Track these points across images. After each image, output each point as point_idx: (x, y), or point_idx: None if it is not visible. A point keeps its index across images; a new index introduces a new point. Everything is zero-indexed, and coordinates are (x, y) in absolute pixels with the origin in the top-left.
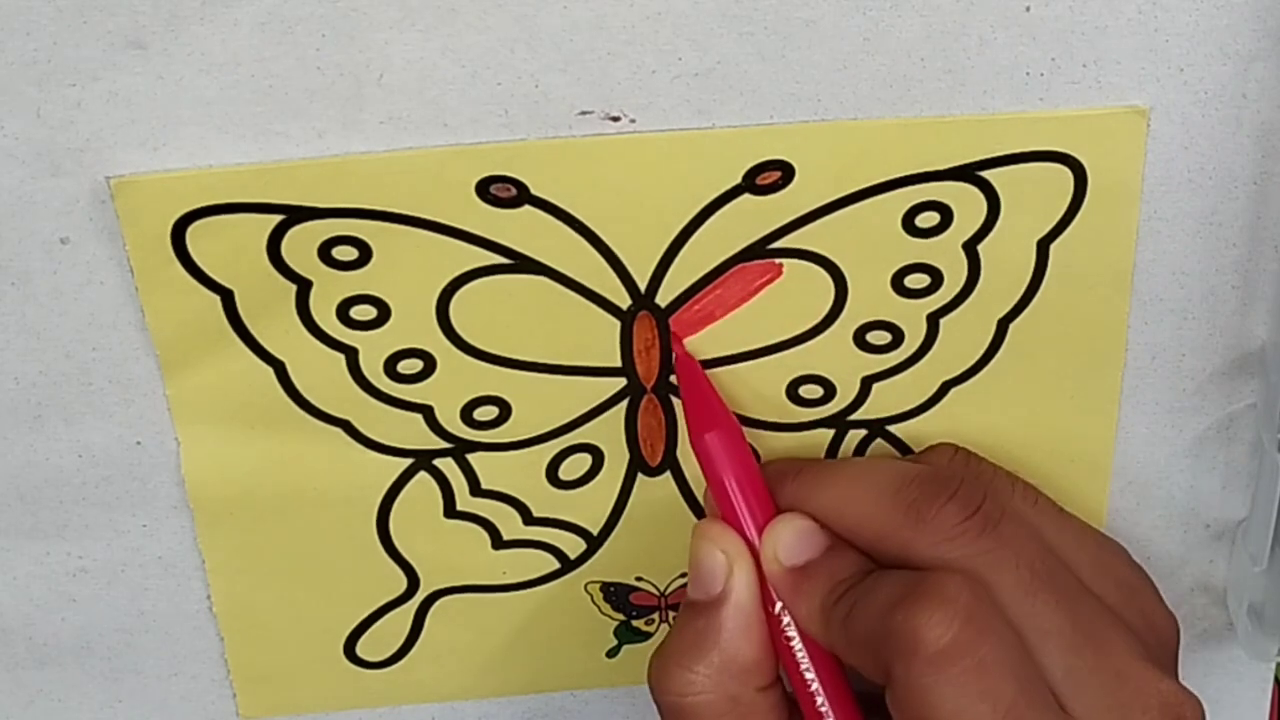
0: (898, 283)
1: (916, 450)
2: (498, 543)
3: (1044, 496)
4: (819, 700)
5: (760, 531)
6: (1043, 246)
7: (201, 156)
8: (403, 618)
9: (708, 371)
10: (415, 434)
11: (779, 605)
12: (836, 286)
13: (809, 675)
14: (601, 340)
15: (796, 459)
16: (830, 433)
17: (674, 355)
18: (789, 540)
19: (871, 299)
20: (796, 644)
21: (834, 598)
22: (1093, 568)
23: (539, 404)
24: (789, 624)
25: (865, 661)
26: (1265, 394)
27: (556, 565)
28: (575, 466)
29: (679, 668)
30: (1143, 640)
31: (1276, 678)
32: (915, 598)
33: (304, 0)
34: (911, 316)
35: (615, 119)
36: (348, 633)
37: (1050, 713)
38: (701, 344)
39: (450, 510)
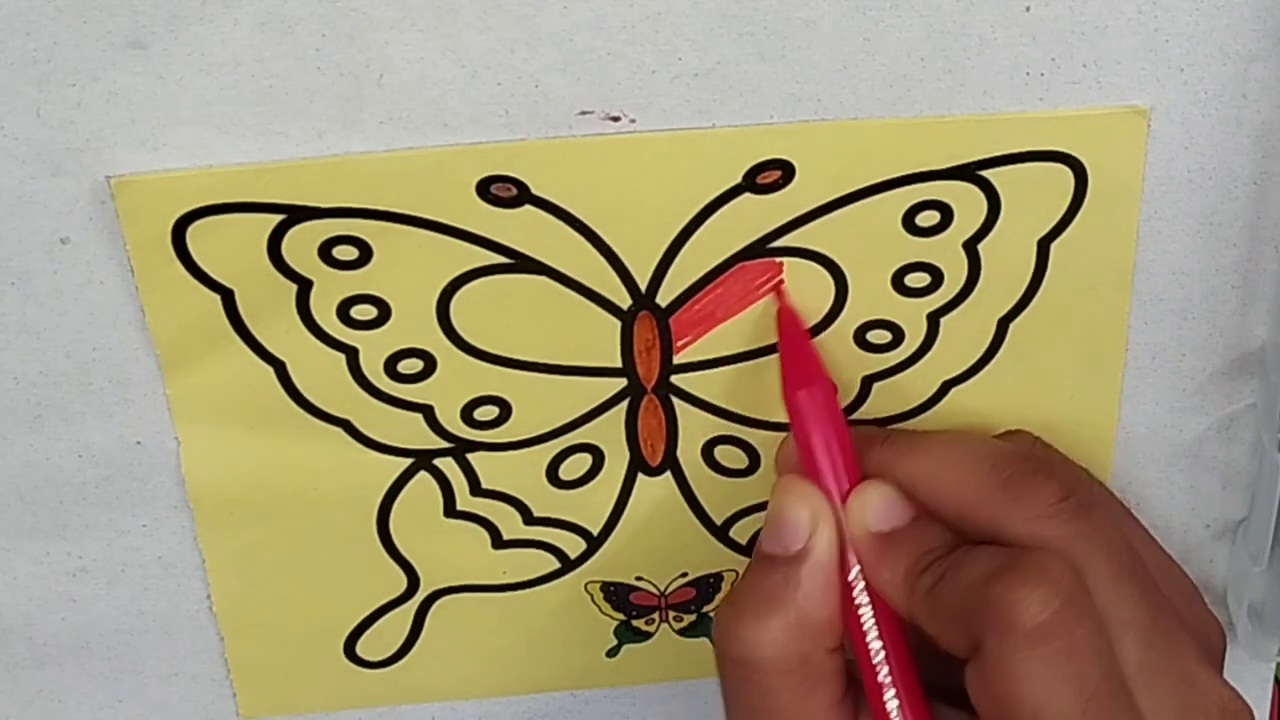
0: (898, 282)
1: None
2: (498, 542)
3: (1115, 495)
4: (881, 670)
5: (844, 495)
6: (1043, 246)
7: (202, 156)
8: (403, 617)
9: (708, 371)
10: (415, 434)
11: (854, 571)
12: (837, 286)
13: (875, 644)
14: (602, 340)
15: (885, 428)
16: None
17: (777, 308)
18: (877, 505)
19: (872, 298)
20: (865, 612)
21: (921, 567)
22: (1160, 568)
23: (539, 404)
24: (860, 590)
25: (949, 632)
26: (1265, 394)
27: (557, 565)
28: (576, 466)
29: (754, 619)
30: (1199, 643)
31: (1276, 678)
32: (1016, 572)
33: (304, 0)
34: (912, 316)
35: (615, 119)
36: (348, 632)
37: (1126, 704)
38: (702, 344)
39: (450, 510)
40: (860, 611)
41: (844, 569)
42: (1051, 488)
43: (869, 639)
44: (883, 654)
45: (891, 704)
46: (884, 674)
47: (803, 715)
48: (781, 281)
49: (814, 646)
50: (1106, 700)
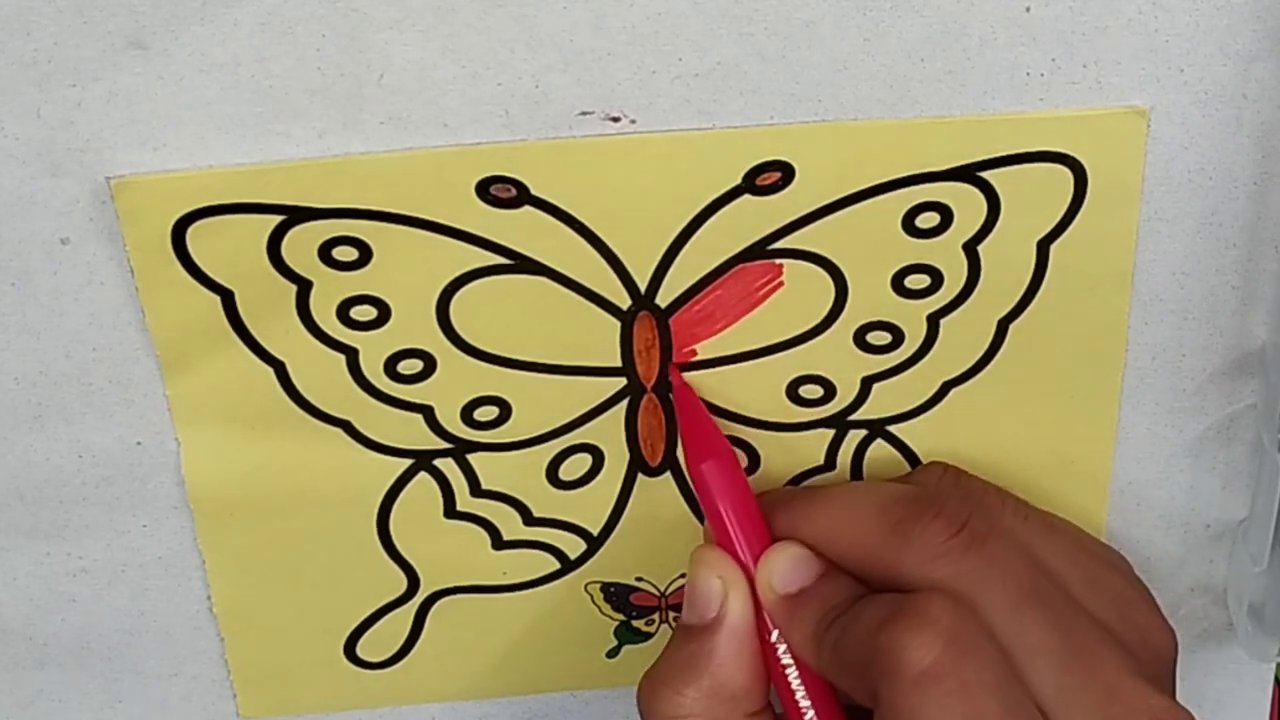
0: (898, 283)
1: (917, 451)
2: (498, 543)
3: (1035, 511)
4: None
5: (756, 559)
6: (1043, 247)
7: (202, 157)
8: (403, 618)
9: (708, 371)
10: (415, 434)
11: (775, 632)
12: (837, 287)
13: (803, 702)
14: (602, 340)
15: (791, 488)
16: (830, 433)
17: (672, 384)
18: (783, 567)
19: (872, 299)
20: (791, 671)
21: (826, 624)
22: (1085, 582)
23: (539, 404)
24: (784, 651)
25: (855, 685)
26: (1265, 394)
27: (557, 565)
28: (575, 467)
29: (669, 690)
30: (1136, 655)
31: (1276, 678)
32: (898, 619)
33: (304, 0)
34: (912, 317)
35: (615, 119)
36: (348, 633)
37: None
38: (702, 344)
39: (450, 510)
40: (787, 672)
41: (765, 631)
42: (937, 527)
43: (798, 698)
44: (811, 713)
45: None
46: None
47: None
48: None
49: (731, 712)
50: None
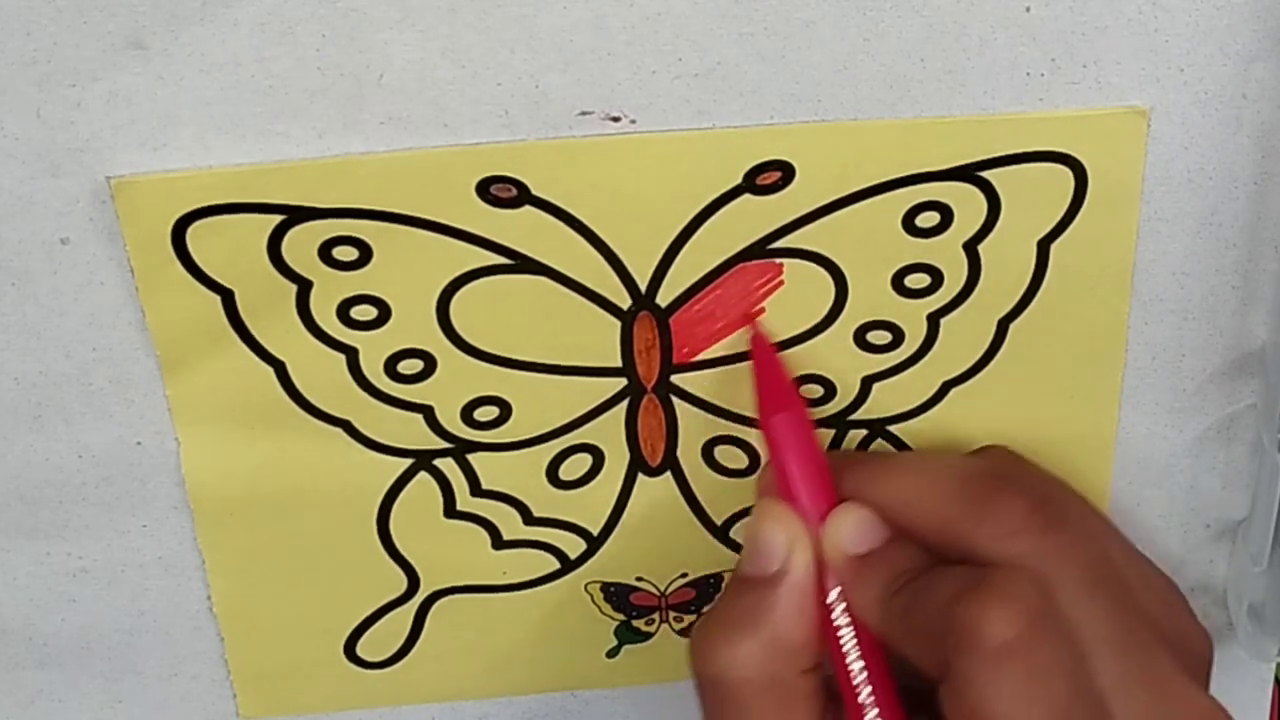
0: (898, 283)
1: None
2: (498, 543)
3: (1094, 505)
4: (862, 691)
5: (820, 517)
6: (1043, 247)
7: (202, 157)
8: (403, 618)
9: (708, 372)
10: (415, 434)
11: (833, 593)
12: (837, 286)
13: (855, 665)
14: (602, 340)
15: (859, 452)
16: (830, 433)
17: (750, 334)
18: (852, 528)
19: (872, 299)
20: (846, 633)
21: (894, 588)
22: (1139, 580)
23: (539, 404)
24: (841, 612)
25: (923, 653)
26: (1265, 394)
27: (557, 565)
28: (576, 466)
29: (726, 641)
30: (1179, 655)
31: (1276, 678)
32: (981, 591)
33: (304, 0)
34: (912, 316)
35: (615, 119)
36: (348, 633)
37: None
38: (701, 344)
39: (450, 510)
40: (841, 633)
41: (823, 591)
42: (1020, 504)
43: (849, 660)
44: (864, 675)
45: None
46: (865, 695)
47: None
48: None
49: (787, 668)
50: (1078, 717)
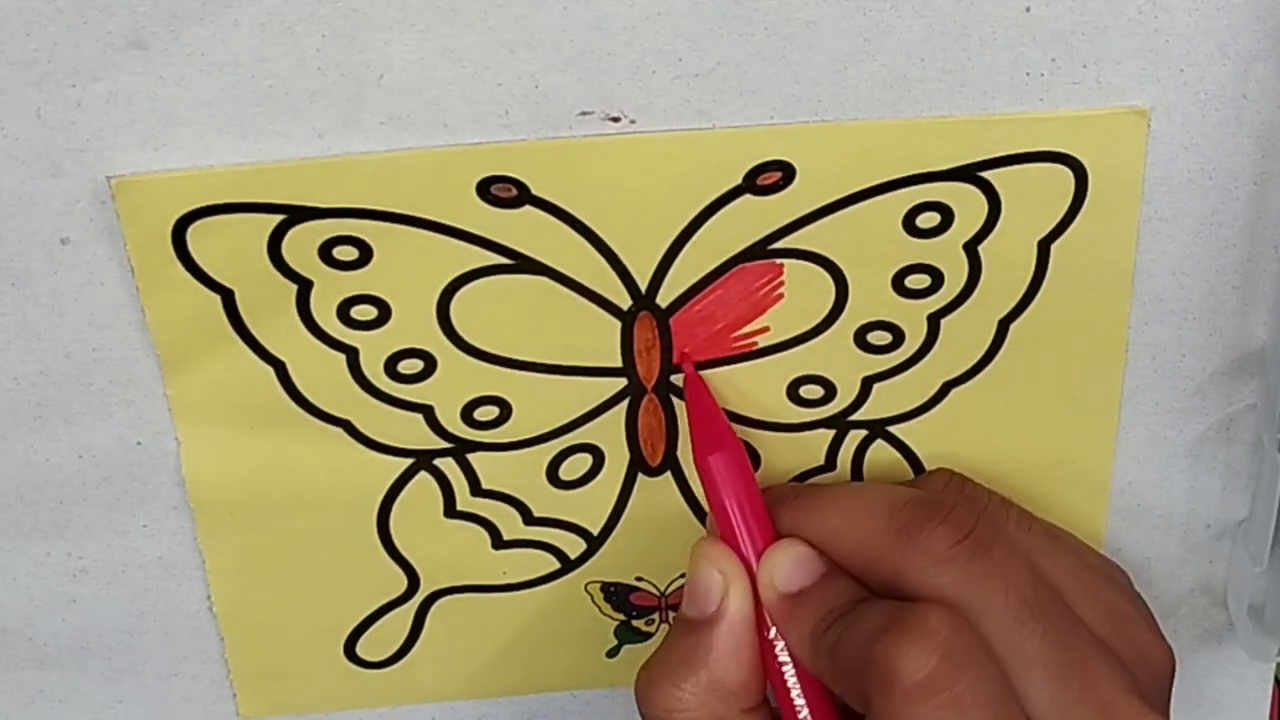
0: (898, 283)
1: (917, 451)
2: (498, 543)
3: (1039, 522)
4: None
5: (759, 555)
6: (1043, 247)
7: (202, 156)
8: (403, 618)
9: (709, 371)
10: (416, 434)
11: (773, 630)
12: (837, 287)
13: (799, 701)
14: (602, 340)
15: (797, 485)
16: (831, 433)
17: (683, 374)
18: (785, 566)
19: (872, 299)
20: (788, 669)
21: (824, 626)
22: (1085, 596)
23: (539, 404)
24: (782, 649)
25: (848, 690)
26: (1265, 394)
27: (557, 565)
28: (576, 466)
29: (666, 683)
30: (1133, 673)
31: (1276, 678)
32: (896, 629)
33: (304, 0)
34: (912, 317)
35: (615, 119)
36: (348, 633)
37: None
38: (702, 344)
39: (450, 510)
40: (784, 670)
41: (763, 628)
42: (943, 532)
43: (793, 696)
44: (806, 711)
45: None
46: None
47: None
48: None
49: (728, 709)
50: None
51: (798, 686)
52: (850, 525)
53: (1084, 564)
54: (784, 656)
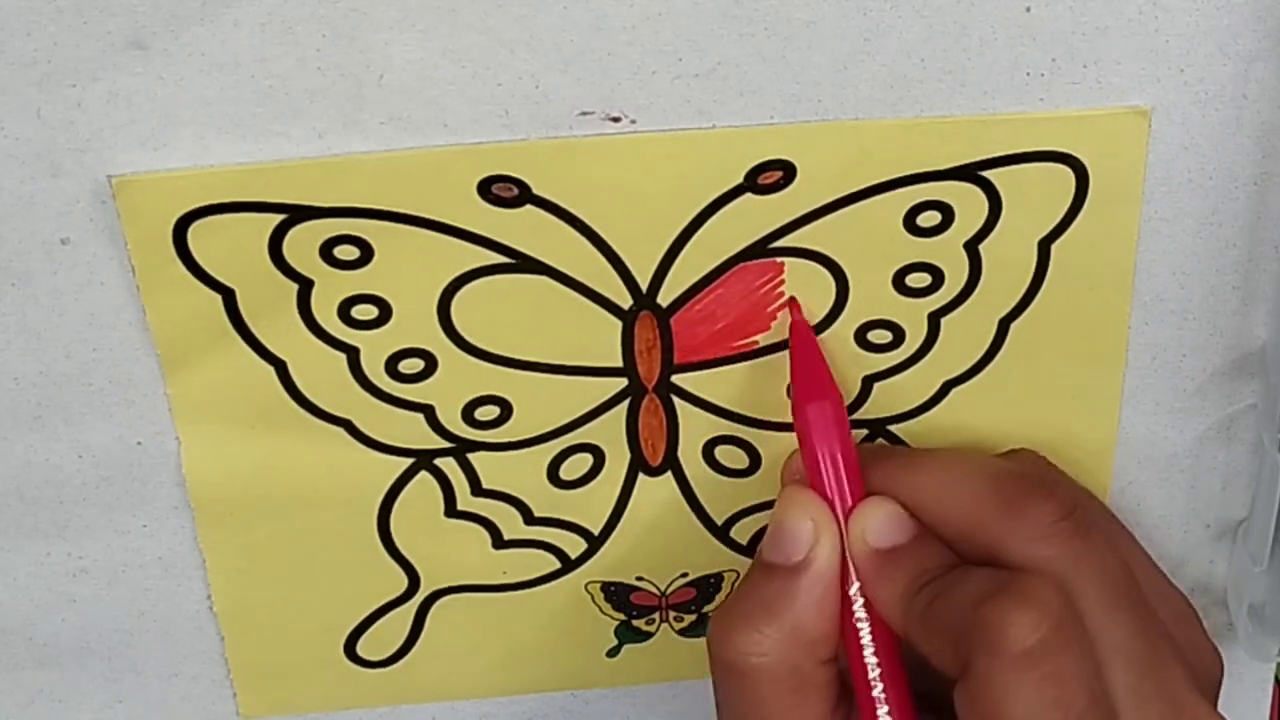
0: (899, 282)
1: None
2: (498, 542)
3: (1117, 518)
4: (876, 687)
5: (847, 509)
6: (1044, 246)
7: (202, 156)
8: (403, 617)
9: (709, 371)
10: (416, 433)
11: (854, 586)
12: (838, 286)
13: (870, 659)
14: (603, 340)
15: (889, 446)
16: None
17: (790, 319)
18: (879, 522)
19: (873, 298)
20: (864, 627)
21: (918, 585)
22: (1156, 593)
23: (540, 404)
24: (860, 606)
25: (943, 652)
26: (1265, 394)
27: (557, 565)
28: (576, 466)
29: (748, 626)
30: (1193, 671)
31: (1276, 678)
32: (1008, 594)
33: (304, 0)
34: (913, 316)
35: (616, 119)
36: (348, 632)
37: None
38: (702, 344)
39: (451, 510)
40: (858, 626)
41: (844, 583)
42: (1050, 507)
43: (865, 654)
44: (878, 670)
45: None
46: (879, 690)
47: None
48: (788, 294)
49: (806, 658)
50: None
51: (872, 645)
52: (949, 489)
53: (1151, 562)
54: (861, 613)
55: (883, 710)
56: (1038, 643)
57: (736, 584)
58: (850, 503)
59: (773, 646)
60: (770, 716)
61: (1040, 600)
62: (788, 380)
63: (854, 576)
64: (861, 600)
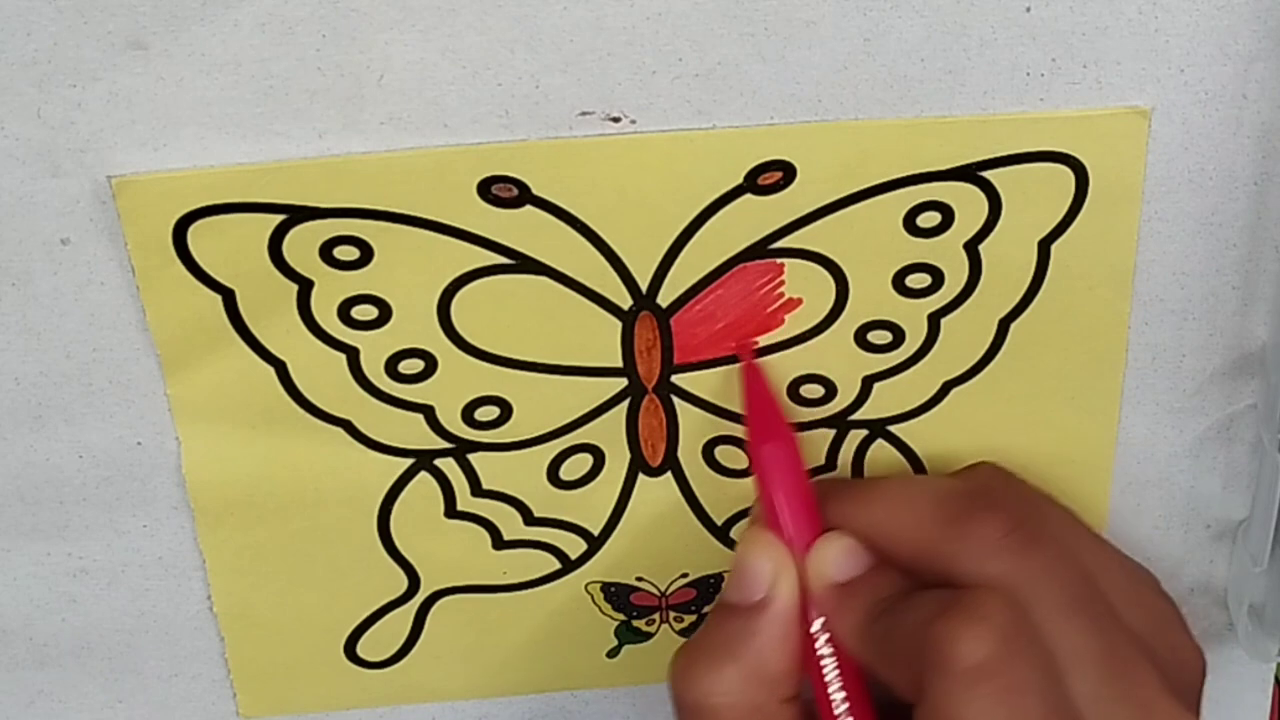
0: (899, 282)
1: (917, 451)
2: (498, 543)
3: (1081, 521)
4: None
5: (805, 546)
6: (1044, 247)
7: (202, 157)
8: (403, 618)
9: (709, 371)
10: (416, 434)
11: (816, 622)
12: (838, 286)
13: (837, 695)
14: (603, 340)
15: (844, 478)
16: (831, 433)
17: (741, 363)
18: (835, 556)
19: (873, 299)
20: (829, 663)
21: (875, 614)
22: (1124, 596)
23: (540, 404)
24: (824, 641)
25: (899, 677)
26: (1265, 394)
27: (557, 565)
28: (576, 467)
29: (708, 667)
30: (1168, 673)
31: (1276, 678)
32: (953, 612)
33: (304, 1)
34: (912, 316)
35: (616, 120)
36: (348, 633)
37: None
38: (702, 344)
39: (451, 510)
40: (824, 662)
41: (805, 620)
42: (996, 522)
43: (831, 690)
44: (845, 705)
45: None
46: None
47: None
48: (752, 345)
49: (768, 697)
50: None
51: (838, 679)
52: (899, 515)
53: (1121, 564)
54: (825, 649)
55: None
56: (986, 657)
57: (701, 626)
58: (809, 539)
59: (733, 686)
60: None
61: (986, 614)
62: (788, 379)
63: (815, 614)
64: (826, 636)
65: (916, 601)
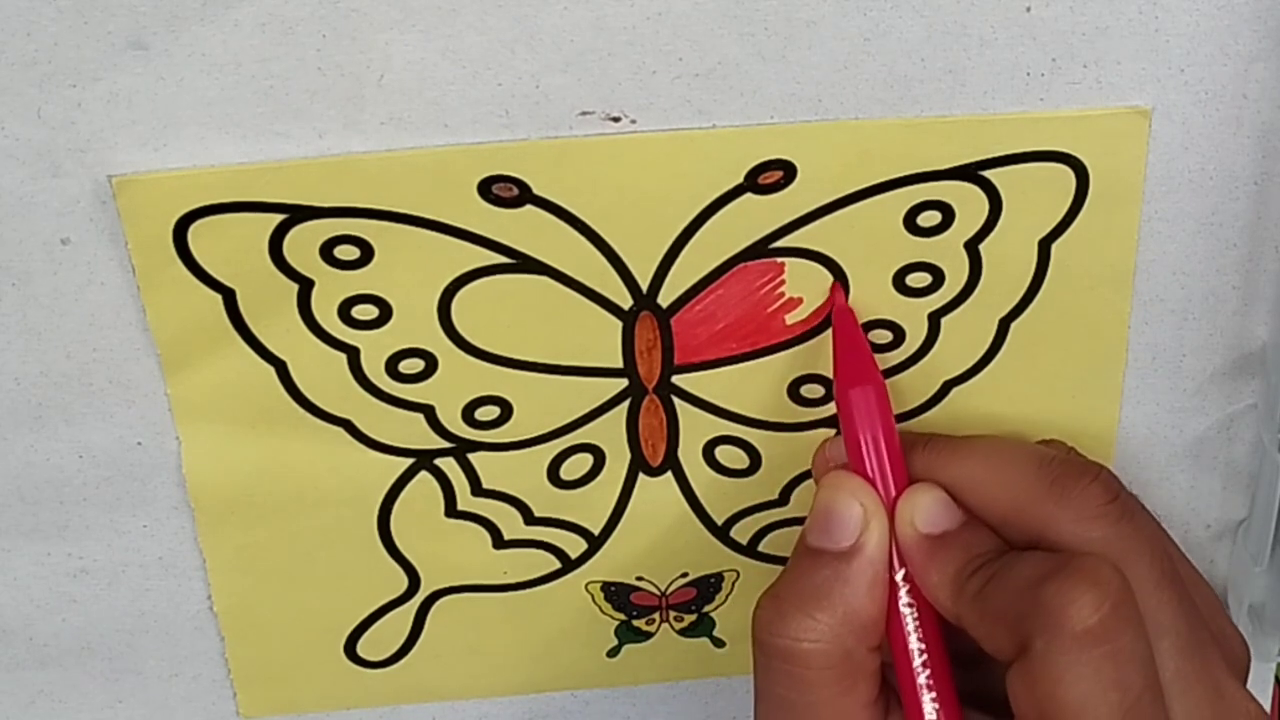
0: (899, 282)
1: None
2: (499, 542)
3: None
4: (922, 674)
5: (891, 495)
6: (1044, 246)
7: (203, 156)
8: (403, 617)
9: (709, 372)
10: (416, 434)
11: (900, 572)
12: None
13: (916, 645)
14: (603, 340)
15: (930, 433)
16: (831, 433)
17: (833, 306)
18: (928, 508)
19: (873, 298)
20: (910, 613)
21: (970, 570)
22: (1192, 581)
23: (540, 404)
24: (907, 592)
25: (997, 635)
26: (1265, 394)
27: (557, 565)
28: (576, 466)
29: (799, 612)
30: (1228, 657)
31: (1277, 678)
32: (1069, 574)
33: (304, 1)
34: (913, 315)
35: (616, 119)
36: (348, 632)
37: (1162, 712)
38: (703, 344)
39: (451, 510)
40: (904, 613)
41: (890, 569)
42: (1098, 489)
43: (911, 640)
44: (924, 656)
45: (930, 707)
46: (924, 677)
47: (839, 711)
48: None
49: (857, 644)
50: (1146, 708)
51: (918, 631)
52: (995, 474)
53: (1183, 552)
54: (907, 599)
55: (928, 697)
56: (1099, 622)
57: (781, 573)
58: (894, 488)
59: (826, 632)
60: (817, 702)
61: (1102, 580)
62: (788, 379)
63: (899, 562)
64: (908, 586)
65: (1021, 560)
